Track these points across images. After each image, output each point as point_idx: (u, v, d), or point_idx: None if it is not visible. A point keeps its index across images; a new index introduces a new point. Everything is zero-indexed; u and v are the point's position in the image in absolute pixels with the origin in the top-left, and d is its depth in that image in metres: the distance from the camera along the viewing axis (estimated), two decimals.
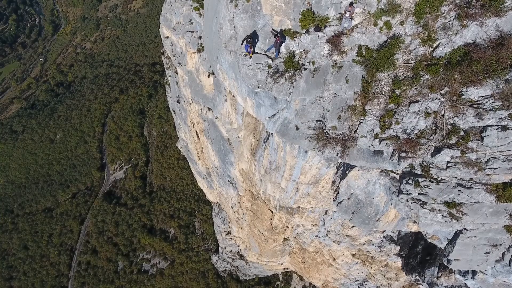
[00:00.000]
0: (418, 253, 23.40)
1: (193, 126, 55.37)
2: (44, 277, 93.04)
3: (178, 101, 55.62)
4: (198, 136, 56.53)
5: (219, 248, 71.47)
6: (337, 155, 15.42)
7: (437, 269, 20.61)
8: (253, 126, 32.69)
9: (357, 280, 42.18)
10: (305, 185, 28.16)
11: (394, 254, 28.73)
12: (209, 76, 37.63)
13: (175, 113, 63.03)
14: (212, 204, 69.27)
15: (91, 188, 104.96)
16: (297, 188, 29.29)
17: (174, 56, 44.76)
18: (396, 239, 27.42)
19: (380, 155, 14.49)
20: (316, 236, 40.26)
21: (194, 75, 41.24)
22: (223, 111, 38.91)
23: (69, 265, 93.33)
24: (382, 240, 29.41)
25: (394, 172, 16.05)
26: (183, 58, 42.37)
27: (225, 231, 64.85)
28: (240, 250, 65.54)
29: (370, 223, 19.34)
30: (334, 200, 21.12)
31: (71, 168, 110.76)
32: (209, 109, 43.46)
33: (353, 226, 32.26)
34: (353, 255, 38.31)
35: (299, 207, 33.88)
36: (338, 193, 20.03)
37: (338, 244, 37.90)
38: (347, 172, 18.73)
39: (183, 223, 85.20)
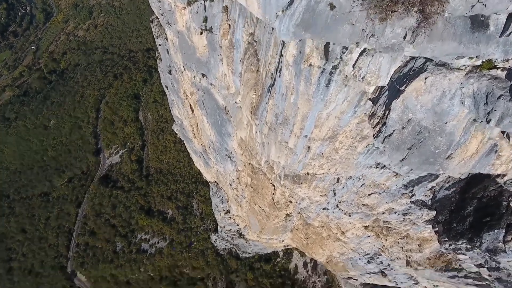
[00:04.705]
0: (468, 216, 17.57)
1: (186, 99, 49.10)
2: (43, 258, 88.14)
3: (170, 72, 49.13)
4: (192, 111, 50.34)
5: (218, 227, 66.05)
6: (404, 37, 9.07)
7: (503, 231, 14.72)
8: (253, 81, 26.34)
9: (367, 254, 36.77)
10: (319, 142, 22.05)
11: (424, 221, 22.95)
12: (201, 33, 31.14)
13: (167, 88, 56.72)
14: (210, 184, 63.36)
15: (87, 172, 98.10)
16: (309, 147, 23.18)
17: (162, 15, 37.84)
18: (430, 203, 21.51)
19: (483, 30, 8.25)
20: (324, 208, 34.44)
21: (185, 36, 34.63)
22: (219, 74, 32.73)
23: (68, 246, 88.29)
24: (409, 207, 23.57)
25: (498, 68, 9.74)
26: (172, 16, 35.56)
27: (223, 210, 59.19)
28: (240, 229, 60.16)
29: (436, 162, 13.19)
30: (375, 137, 14.74)
31: (66, 153, 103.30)
32: (203, 75, 37.24)
33: (371, 194, 26.37)
34: (366, 227, 32.67)
35: (307, 173, 27.85)
36: (385, 124, 13.56)
37: (350, 216, 32.16)
38: (401, 87, 12.15)
39: (181, 204, 79.49)
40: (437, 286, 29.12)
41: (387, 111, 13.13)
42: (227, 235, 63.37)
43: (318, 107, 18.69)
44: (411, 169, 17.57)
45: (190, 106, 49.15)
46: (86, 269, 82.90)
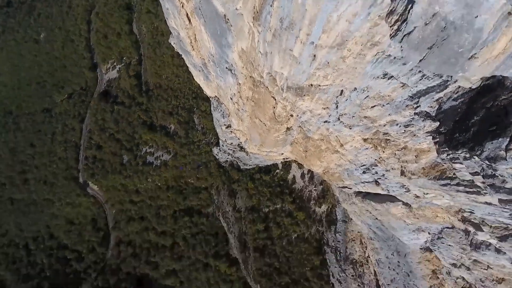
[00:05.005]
0: (473, 126, 17.23)
1: (182, 6, 44.63)
2: (55, 170, 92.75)
3: None
4: (189, 20, 46.23)
5: (220, 141, 67.42)
6: None
7: (508, 139, 14.53)
8: None
9: (364, 165, 38.01)
10: (325, 50, 20.45)
11: (425, 132, 22.81)
12: None
13: None
14: (210, 98, 62.38)
15: (86, 88, 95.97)
16: (314, 56, 21.63)
17: None
18: (434, 114, 21.04)
19: None
20: (325, 121, 34.30)
21: None
22: None
23: (77, 159, 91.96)
24: (412, 118, 23.21)
25: None
26: None
27: (224, 125, 59.50)
28: (241, 142, 61.44)
29: (457, 62, 12.23)
30: (392, 36, 13.43)
31: (61, 68, 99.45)
32: None
33: (374, 106, 25.79)
34: (365, 140, 33.00)
35: (311, 85, 26.76)
36: (405, 20, 12.12)
37: (350, 128, 32.19)
38: None
39: (182, 120, 79.57)
40: (427, 193, 30.63)
41: (410, 5, 11.49)
42: (229, 149, 65.13)
43: (328, 8, 16.67)
44: (423, 77, 16.45)
45: (187, 14, 45.06)
46: (97, 180, 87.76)
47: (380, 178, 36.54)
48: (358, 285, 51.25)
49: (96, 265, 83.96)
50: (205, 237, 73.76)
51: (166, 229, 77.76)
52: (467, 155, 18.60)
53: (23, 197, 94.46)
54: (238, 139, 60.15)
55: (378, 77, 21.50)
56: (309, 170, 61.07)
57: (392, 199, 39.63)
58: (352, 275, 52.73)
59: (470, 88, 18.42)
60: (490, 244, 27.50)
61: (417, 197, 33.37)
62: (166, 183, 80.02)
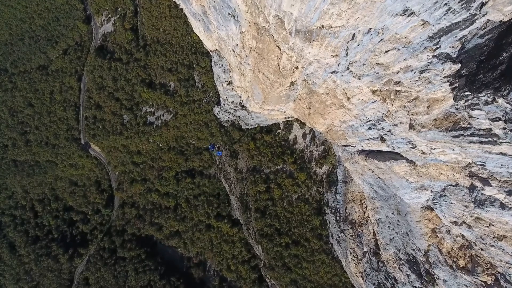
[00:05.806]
0: (500, 64, 15.73)
1: None
2: (56, 131, 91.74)
3: None
4: None
5: (221, 99, 65.64)
6: None
7: None
8: None
9: (370, 121, 36.71)
10: None
11: (443, 77, 21.26)
12: None
13: None
14: (211, 53, 59.67)
15: (81, 43, 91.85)
16: None
17: None
18: (455, 55, 19.38)
19: None
20: (333, 72, 32.54)
21: None
22: None
23: (77, 119, 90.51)
24: (430, 62, 21.50)
25: None
26: None
27: (226, 81, 57.43)
28: (242, 100, 59.72)
29: None
30: None
31: (54, 21, 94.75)
32: None
33: (388, 51, 23.99)
34: (374, 92, 31.44)
35: (322, 26, 24.72)
36: None
37: (359, 79, 30.52)
38: None
39: (182, 77, 76.47)
40: (434, 148, 29.66)
41: None
42: (230, 107, 63.55)
43: None
44: (449, 10, 14.71)
45: None
46: (98, 141, 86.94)
47: (386, 134, 35.47)
48: (357, 245, 51.85)
49: (101, 227, 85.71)
50: (207, 198, 74.18)
51: (169, 191, 78.17)
52: (489, 99, 17.26)
53: (26, 159, 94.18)
54: (240, 97, 58.40)
55: (397, 14, 19.62)
56: (310, 130, 59.99)
57: (396, 156, 38.86)
58: (351, 235, 53.32)
59: (500, 21, 16.69)
60: (495, 200, 26.89)
61: (423, 153, 32.48)
62: (167, 143, 79.18)
